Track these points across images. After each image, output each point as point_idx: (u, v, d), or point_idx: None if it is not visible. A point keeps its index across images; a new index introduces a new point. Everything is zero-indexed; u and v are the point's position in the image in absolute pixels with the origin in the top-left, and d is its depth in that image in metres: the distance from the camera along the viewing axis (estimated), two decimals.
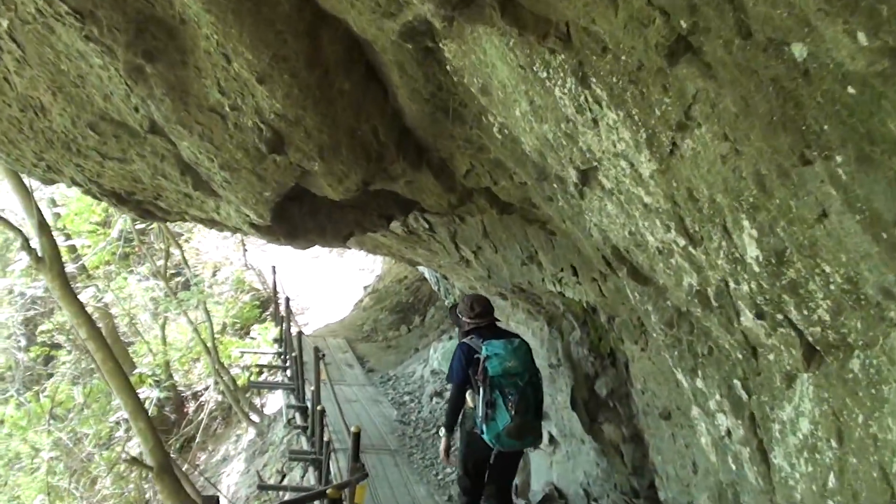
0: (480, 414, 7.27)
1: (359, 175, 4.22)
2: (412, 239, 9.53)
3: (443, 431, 8.08)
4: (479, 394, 7.31)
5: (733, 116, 2.27)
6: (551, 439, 10.37)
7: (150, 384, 19.48)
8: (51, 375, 20.50)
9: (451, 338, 16.92)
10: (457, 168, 4.54)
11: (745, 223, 2.55)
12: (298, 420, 14.37)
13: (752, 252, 2.60)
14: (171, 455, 20.33)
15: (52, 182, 5.70)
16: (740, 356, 3.15)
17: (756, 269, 2.62)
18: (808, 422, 2.87)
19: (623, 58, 2.51)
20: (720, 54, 2.10)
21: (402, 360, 18.01)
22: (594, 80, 2.69)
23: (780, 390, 3.04)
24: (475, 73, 3.33)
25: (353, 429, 9.15)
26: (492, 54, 3.06)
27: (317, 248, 25.94)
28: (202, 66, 3.76)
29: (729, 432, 3.51)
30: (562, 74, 2.82)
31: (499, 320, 8.24)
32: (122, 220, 18.36)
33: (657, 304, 3.49)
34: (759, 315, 2.78)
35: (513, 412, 7.12)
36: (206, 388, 21.29)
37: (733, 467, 3.69)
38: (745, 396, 3.33)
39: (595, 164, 3.07)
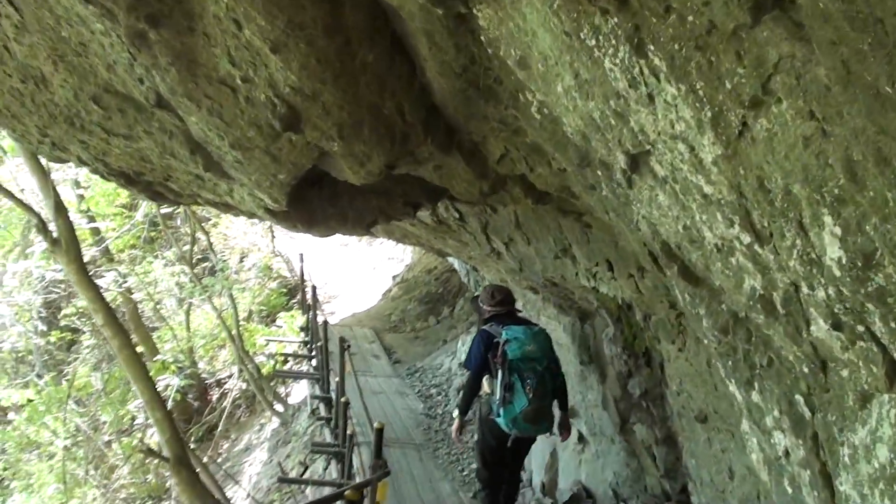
0: (498, 397, 7.29)
1: (382, 157, 3.85)
2: (442, 229, 9.17)
3: (456, 413, 8.13)
4: (497, 377, 7.32)
5: (824, 89, 1.88)
6: (580, 438, 9.99)
7: (173, 371, 19.25)
8: (72, 361, 20.33)
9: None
10: (490, 152, 4.15)
11: (827, 219, 2.16)
12: (322, 411, 14.06)
13: (832, 253, 2.21)
14: (192, 445, 20.19)
15: (59, 160, 5.36)
16: (806, 370, 2.76)
17: (836, 272, 2.23)
18: (888, 449, 2.49)
19: (690, 18, 2.11)
20: (824, 4, 1.70)
21: (429, 351, 17.68)
22: (652, 47, 2.30)
23: (852, 411, 2.65)
24: (513, 44, 2.95)
25: (375, 424, 8.80)
26: (532, 20, 2.68)
27: (346, 236, 25.68)
28: (211, 33, 3.40)
29: (787, 452, 3.13)
30: (613, 41, 2.43)
31: (520, 311, 8.20)
32: (147, 203, 18.08)
33: (710, 307, 3.11)
34: (836, 325, 2.39)
35: (530, 395, 7.16)
36: (231, 376, 21.05)
37: (789, 490, 3.30)
38: (808, 414, 2.94)
39: (648, 147, 2.68)
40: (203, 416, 20.58)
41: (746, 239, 2.53)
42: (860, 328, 2.32)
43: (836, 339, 2.44)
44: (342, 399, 12.03)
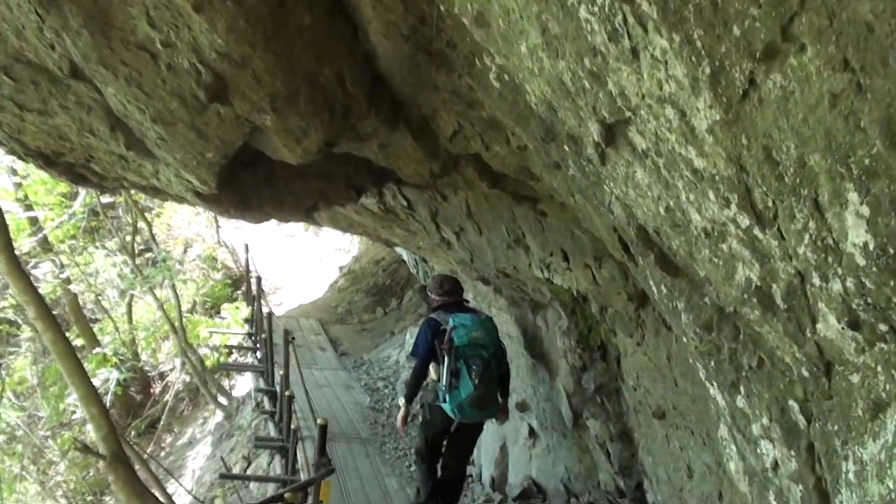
0: (444, 384, 7.24)
1: (320, 133, 3.39)
2: (389, 217, 8.74)
3: (402, 401, 8.01)
4: (443, 364, 7.27)
5: (866, 30, 1.49)
6: (531, 432, 9.64)
7: (114, 364, 18.60)
8: (9, 354, 19.57)
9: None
10: (441, 128, 3.71)
11: (852, 196, 1.75)
12: (266, 405, 13.57)
13: (856, 237, 1.81)
14: (134, 439, 19.55)
15: None
16: (806, 373, 2.37)
17: (860, 260, 1.83)
18: None
19: None
20: None
21: (376, 343, 17.25)
22: None
23: (860, 421, 2.26)
24: None
25: (318, 421, 8.36)
26: None
27: (293, 226, 25.07)
28: None
29: (776, 464, 2.74)
30: None
31: (468, 301, 8.19)
32: (86, 192, 17.41)
33: (691, 301, 2.70)
34: (853, 324, 1.99)
35: (476, 381, 7.14)
36: (174, 369, 20.43)
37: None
38: (803, 423, 2.55)
39: (628, 115, 2.25)
40: (146, 409, 19.92)
41: (744, 222, 2.12)
42: (883, 327, 1.92)
43: (851, 340, 2.05)
44: (286, 393, 11.61)
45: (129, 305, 20.57)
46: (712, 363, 2.66)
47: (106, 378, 17.08)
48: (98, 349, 17.85)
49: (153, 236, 18.45)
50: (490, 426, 10.38)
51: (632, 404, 7.05)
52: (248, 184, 4.28)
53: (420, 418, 8.29)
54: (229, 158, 3.82)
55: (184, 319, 19.16)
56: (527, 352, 9.00)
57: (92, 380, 17.38)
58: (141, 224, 22.47)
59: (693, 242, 2.36)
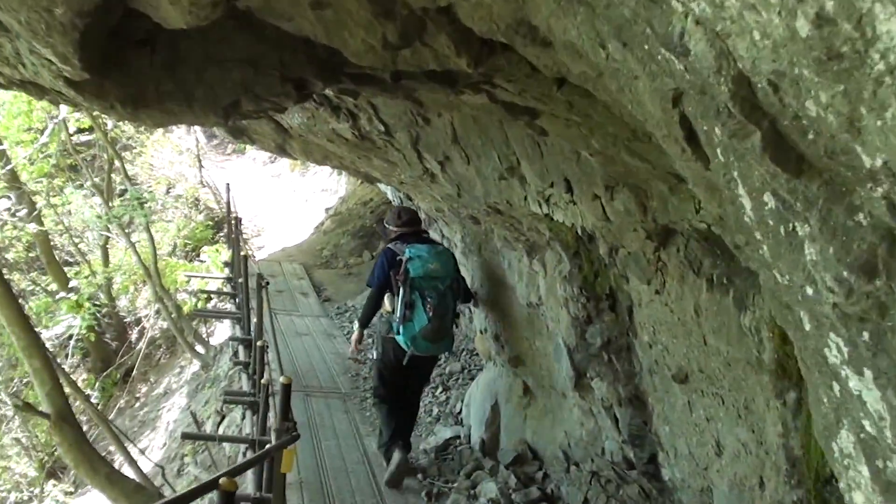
0: (398, 315, 7.36)
1: None
2: (366, 146, 7.53)
3: (356, 326, 8.25)
4: (398, 295, 7.40)
5: None
6: (526, 390, 8.52)
7: (87, 309, 17.43)
8: None
9: None
10: None
11: None
12: (241, 355, 12.44)
13: None
14: (110, 388, 18.49)
15: None
16: None
17: None
18: None
19: None
20: None
21: (362, 289, 16.03)
22: None
23: None
24: None
25: (281, 379, 7.22)
26: None
27: (278, 166, 23.85)
28: None
29: None
30: None
31: (426, 231, 8.39)
32: (54, 126, 16.13)
33: (831, 219, 1.48)
34: None
35: (430, 314, 7.29)
36: (148, 316, 19.28)
37: None
38: None
39: None
40: (126, 356, 18.78)
41: None
42: None
43: None
44: (258, 343, 10.52)
45: (104, 248, 19.36)
46: (865, 335, 1.45)
47: (69, 325, 15.93)
48: (63, 294, 16.62)
49: (126, 174, 17.18)
50: (481, 383, 9.26)
51: (646, 364, 5.90)
52: (142, 70, 3.07)
53: (375, 354, 8.36)
54: (98, 22, 2.61)
55: (161, 263, 18.01)
56: (522, 300, 7.84)
57: (55, 328, 16.34)
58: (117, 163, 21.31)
59: (864, 96, 1.16)
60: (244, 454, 9.36)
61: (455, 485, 8.30)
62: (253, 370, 10.95)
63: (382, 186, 12.63)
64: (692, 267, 4.79)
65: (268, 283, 11.56)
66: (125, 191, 20.17)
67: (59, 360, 19.72)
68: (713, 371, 4.93)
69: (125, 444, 11.40)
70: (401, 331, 7.43)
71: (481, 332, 9.33)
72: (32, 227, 17.01)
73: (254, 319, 13.01)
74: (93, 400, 18.71)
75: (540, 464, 8.27)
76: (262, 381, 9.83)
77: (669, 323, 5.26)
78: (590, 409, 7.13)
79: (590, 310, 6.31)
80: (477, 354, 10.73)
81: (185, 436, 10.49)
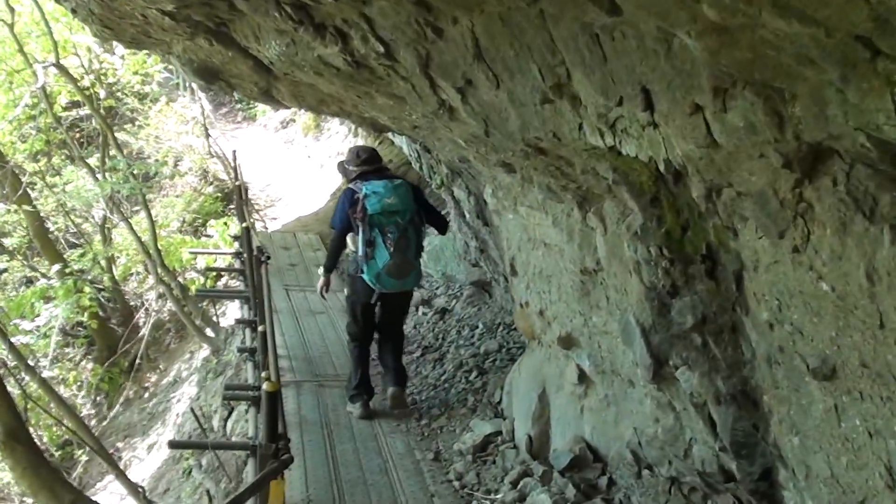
0: (361, 254, 7.40)
1: None
2: (363, 77, 5.81)
3: (321, 271, 8.39)
4: (359, 234, 7.39)
5: None
6: (581, 376, 6.80)
7: (88, 293, 15.87)
8: None
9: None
10: None
11: None
12: (247, 340, 10.82)
13: None
14: (123, 379, 16.95)
15: None
16: None
17: None
18: None
19: None
20: None
21: None
22: None
23: None
24: None
25: (265, 386, 5.59)
26: None
27: (290, 131, 22.23)
28: None
29: None
30: None
31: (388, 169, 8.38)
32: (31, 94, 14.52)
33: None
34: None
35: (391, 249, 7.30)
36: (159, 298, 17.64)
37: None
38: None
39: None
40: (129, 344, 17.18)
41: None
42: None
43: None
44: (259, 328, 8.94)
45: (103, 227, 17.73)
46: None
47: (53, 315, 14.31)
48: (43, 281, 15.00)
49: (118, 145, 15.47)
50: (524, 368, 7.58)
51: (762, 351, 4.16)
52: None
53: (346, 292, 8.35)
54: None
55: (165, 241, 16.42)
56: (573, 266, 6.10)
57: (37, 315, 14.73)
58: (123, 138, 19.74)
59: None
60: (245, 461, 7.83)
61: (499, 497, 6.68)
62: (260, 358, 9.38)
63: (398, 141, 10.93)
64: (861, 208, 3.03)
65: (268, 258, 10.03)
66: (140, 172, 18.71)
67: (63, 351, 18.38)
68: (887, 366, 3.19)
69: (114, 460, 9.75)
70: (365, 269, 7.43)
71: (521, 307, 7.59)
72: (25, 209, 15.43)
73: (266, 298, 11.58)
74: (100, 393, 17.29)
75: (603, 467, 6.62)
76: (263, 374, 8.30)
77: (811, 294, 3.50)
78: (669, 402, 5.41)
79: (675, 276, 4.55)
80: (516, 329, 9.02)
81: (172, 445, 8.92)
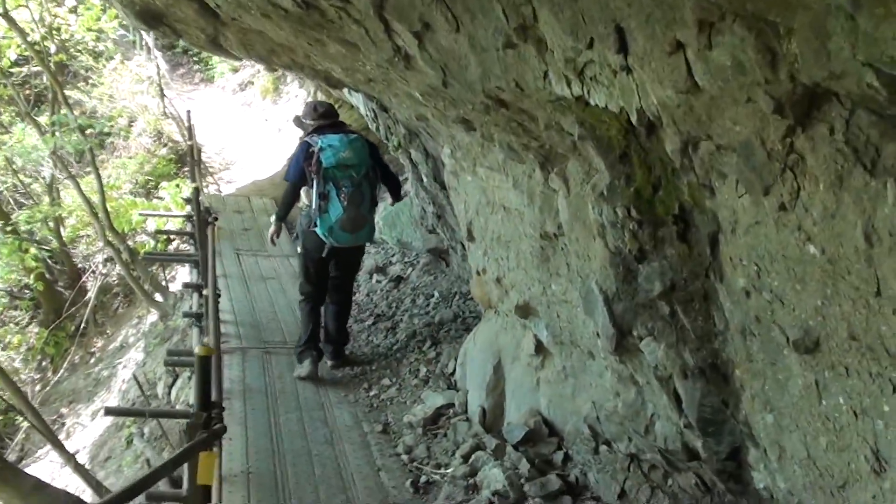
0: (315, 207, 7.36)
1: None
2: (314, 21, 5.36)
3: (273, 219, 8.36)
4: (314, 187, 7.35)
5: None
6: (538, 347, 6.45)
7: (34, 255, 15.27)
8: None
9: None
10: None
11: None
12: (195, 304, 10.34)
13: None
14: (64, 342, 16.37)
15: None
16: None
17: None
18: None
19: None
20: None
21: None
22: None
23: None
24: None
25: (196, 350, 5.19)
26: None
27: (249, 94, 21.62)
28: None
29: None
30: None
31: (345, 124, 8.18)
32: None
33: None
34: None
35: (345, 203, 7.27)
36: (98, 262, 17.02)
37: None
38: None
39: None
40: (76, 307, 16.54)
41: None
42: None
43: None
44: (204, 292, 8.55)
45: (51, 185, 17.06)
46: None
47: None
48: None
49: (66, 102, 14.79)
50: (479, 337, 7.21)
51: (736, 321, 3.80)
52: None
53: (300, 248, 8.24)
54: None
55: (116, 203, 15.77)
56: (533, 230, 5.72)
57: None
58: (76, 96, 19.06)
59: None
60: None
61: (449, 471, 6.32)
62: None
63: (354, 100, 10.46)
64: (861, 160, 2.66)
65: (215, 219, 9.56)
66: (88, 128, 18.04)
67: (9, 314, 17.76)
68: (880, 339, 2.84)
69: (50, 428, 9.28)
70: (318, 223, 7.39)
71: (478, 274, 7.21)
72: None
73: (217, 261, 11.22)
74: (45, 357, 16.71)
75: (559, 442, 6.32)
76: (205, 339, 7.91)
77: (795, 258, 3.14)
78: (631, 375, 5.06)
79: (643, 240, 4.18)
80: (473, 298, 8.64)
81: (109, 412, 8.46)
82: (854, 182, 2.70)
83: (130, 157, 20.23)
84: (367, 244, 9.40)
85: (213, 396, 5.44)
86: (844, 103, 2.65)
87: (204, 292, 8.62)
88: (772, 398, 3.68)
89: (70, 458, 9.15)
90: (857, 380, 3.07)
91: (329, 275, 8.15)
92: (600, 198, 4.42)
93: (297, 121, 8.13)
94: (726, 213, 3.54)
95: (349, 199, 7.27)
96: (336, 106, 17.42)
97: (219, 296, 9.31)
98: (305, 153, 7.45)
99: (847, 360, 3.08)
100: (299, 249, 8.27)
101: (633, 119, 3.68)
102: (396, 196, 8.73)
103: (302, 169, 7.45)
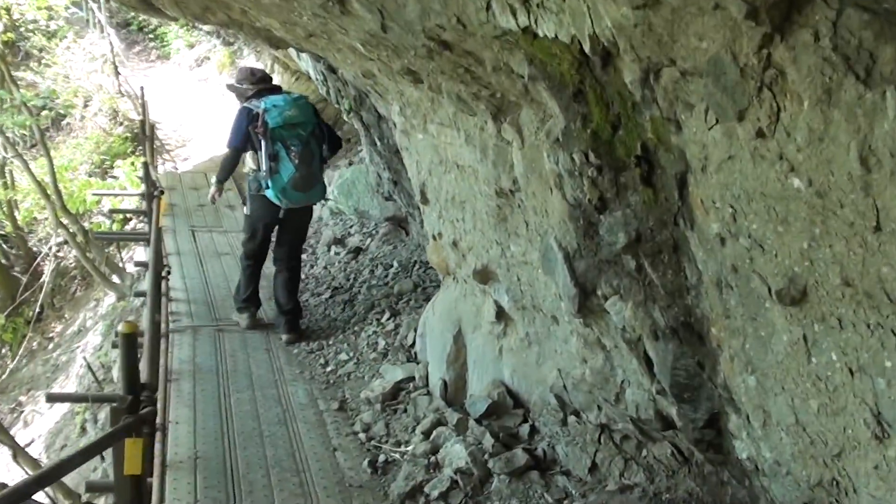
0: (265, 170, 7.21)
1: None
2: None
3: (213, 180, 8.29)
4: (261, 149, 7.20)
5: None
6: (499, 313, 5.99)
7: None
8: None
9: (350, 163, 12.34)
10: None
11: None
12: (146, 283, 9.81)
13: None
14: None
15: None
16: None
17: None
18: None
19: None
20: None
21: None
22: None
23: None
24: None
25: (119, 328, 4.71)
26: None
27: (205, 69, 20.98)
28: None
29: None
30: None
31: (280, 87, 8.06)
32: None
33: None
34: None
35: (296, 162, 7.21)
36: (65, 243, 16.42)
37: None
38: None
39: None
40: (31, 291, 15.92)
41: None
42: None
43: None
44: (143, 270, 8.08)
45: (2, 168, 16.42)
46: None
47: None
48: None
49: (12, 79, 14.15)
50: (438, 306, 6.76)
51: (710, 272, 3.33)
52: None
53: (247, 211, 8.02)
54: None
55: (71, 184, 15.20)
56: (488, 187, 5.24)
57: None
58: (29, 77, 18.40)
59: None
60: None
61: (409, 449, 5.87)
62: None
63: (304, 65, 9.94)
64: (853, 68, 2.20)
65: (162, 192, 9.07)
66: (41, 109, 17.39)
67: None
68: (880, 283, 2.39)
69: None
70: (269, 184, 7.26)
71: (434, 239, 6.73)
72: None
73: (171, 238, 10.90)
74: (3, 344, 16.14)
75: (524, 413, 5.89)
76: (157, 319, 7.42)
77: (777, 195, 2.68)
78: (598, 339, 4.62)
79: (604, 187, 3.71)
80: (433, 268, 8.18)
81: (50, 398, 7.96)
82: (845, 96, 2.23)
83: (87, 138, 19.60)
84: (321, 203, 9.71)
85: (150, 377, 4.98)
86: (830, 2, 2.18)
87: (150, 270, 8.14)
88: (753, 358, 3.22)
89: (17, 446, 8.66)
90: (852, 332, 2.62)
91: (275, 244, 8.09)
92: (556, 144, 3.95)
93: (232, 87, 7.95)
94: (695, 150, 3.07)
95: (300, 157, 7.19)
96: (294, 79, 16.94)
97: (168, 273, 8.86)
98: (248, 117, 7.27)
99: (840, 311, 2.63)
100: (246, 212, 8.09)
101: (587, 48, 3.19)
102: (334, 150, 8.24)
103: (245, 134, 7.30)
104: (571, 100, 3.67)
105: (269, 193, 7.30)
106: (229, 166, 7.85)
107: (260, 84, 7.62)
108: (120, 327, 4.82)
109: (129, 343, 4.54)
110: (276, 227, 7.89)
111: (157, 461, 5.30)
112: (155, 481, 5.02)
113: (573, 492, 5.04)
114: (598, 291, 4.15)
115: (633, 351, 4.11)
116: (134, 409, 4.32)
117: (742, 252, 3.02)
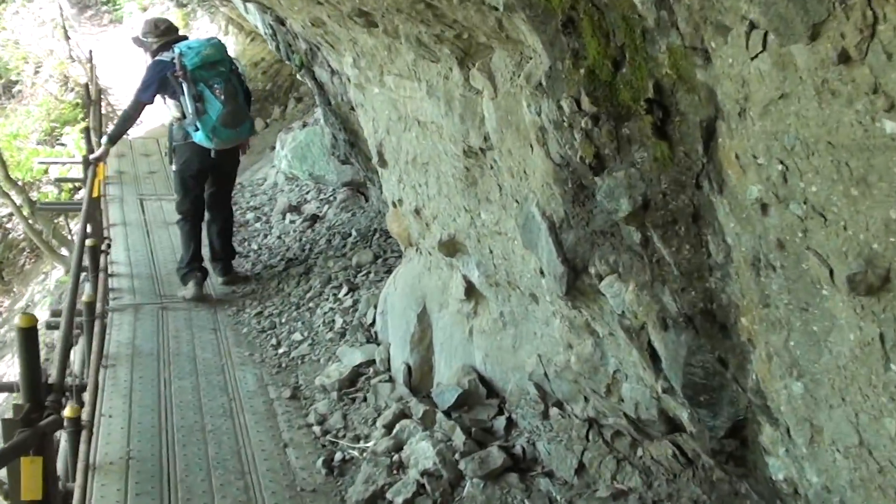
0: (191, 112, 7.00)
1: None
2: None
3: (105, 140, 7.90)
4: (184, 94, 7.00)
5: None
6: (469, 290, 5.18)
7: None
8: None
9: (305, 125, 11.41)
10: None
11: None
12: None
13: None
14: None
15: None
16: None
17: None
18: None
19: None
20: None
21: (252, 161, 12.51)
22: None
23: None
24: None
25: (16, 320, 3.89)
26: None
27: None
28: None
29: None
30: None
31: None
32: None
33: None
34: None
35: (223, 98, 7.03)
36: (5, 215, 15.45)
37: None
38: None
39: None
40: None
41: None
42: None
43: None
44: (89, 243, 7.28)
45: None
46: None
47: None
48: None
49: None
50: (400, 281, 5.95)
51: (746, 247, 2.52)
52: None
53: (174, 166, 7.69)
54: None
55: (18, 153, 14.22)
56: (454, 145, 4.40)
57: None
58: None
59: None
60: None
61: (369, 445, 5.09)
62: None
63: (252, 18, 9.02)
64: None
65: (97, 159, 8.24)
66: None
67: None
68: None
69: None
70: (198, 126, 7.07)
71: (394, 206, 5.90)
72: None
73: (115, 208, 10.13)
74: None
75: (500, 404, 5.10)
76: (85, 298, 6.58)
77: (857, 145, 1.87)
78: (587, 323, 3.82)
79: (601, 142, 2.87)
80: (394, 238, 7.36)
81: None
82: None
83: (38, 105, 18.55)
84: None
85: (58, 376, 4.13)
86: None
87: (87, 242, 7.28)
88: (801, 359, 2.43)
89: None
90: None
91: (207, 191, 7.81)
92: (537, 90, 3.12)
93: (138, 41, 7.63)
94: (731, 88, 2.24)
95: (224, 93, 7.04)
96: (249, 39, 15.96)
97: (109, 246, 8.11)
98: (163, 66, 7.09)
99: None
100: (174, 167, 7.72)
101: None
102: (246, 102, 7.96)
103: (156, 83, 7.14)
104: (559, 32, 2.82)
105: (199, 136, 7.09)
106: (128, 124, 7.81)
107: (166, 36, 7.41)
108: (16, 320, 3.97)
109: (29, 338, 3.68)
110: (207, 178, 7.69)
111: (80, 466, 4.54)
112: (77, 489, 4.26)
113: (558, 497, 4.26)
114: (590, 269, 3.34)
115: (634, 341, 3.30)
116: (30, 421, 3.46)
117: (793, 223, 2.21)
